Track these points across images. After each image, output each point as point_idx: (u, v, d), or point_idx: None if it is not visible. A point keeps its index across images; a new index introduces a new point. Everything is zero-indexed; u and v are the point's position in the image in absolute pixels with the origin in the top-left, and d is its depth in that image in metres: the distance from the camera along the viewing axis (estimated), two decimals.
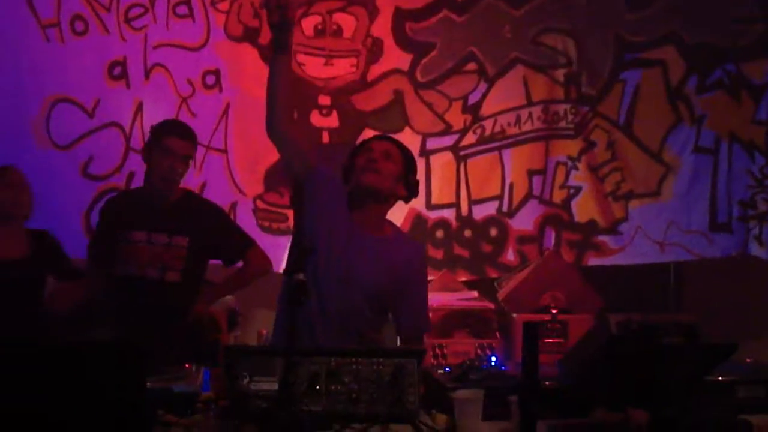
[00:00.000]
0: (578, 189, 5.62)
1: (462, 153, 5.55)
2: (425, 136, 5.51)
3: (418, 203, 5.48)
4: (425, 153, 5.49)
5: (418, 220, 5.50)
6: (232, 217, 5.30)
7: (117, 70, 5.36)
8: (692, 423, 3.28)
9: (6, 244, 4.49)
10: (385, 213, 3.95)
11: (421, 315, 4.05)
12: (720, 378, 3.61)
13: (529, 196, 5.59)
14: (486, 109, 5.55)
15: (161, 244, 4.52)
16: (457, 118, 5.54)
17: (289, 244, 3.48)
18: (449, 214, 5.55)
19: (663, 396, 3.35)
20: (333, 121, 5.47)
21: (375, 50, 5.48)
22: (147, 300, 4.45)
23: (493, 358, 4.06)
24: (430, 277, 5.27)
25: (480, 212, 5.57)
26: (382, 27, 5.48)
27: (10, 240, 4.51)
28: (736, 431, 3.28)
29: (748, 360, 4.01)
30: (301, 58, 5.42)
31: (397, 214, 5.41)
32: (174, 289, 4.51)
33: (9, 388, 3.05)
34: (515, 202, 5.58)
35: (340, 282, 3.81)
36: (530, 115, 5.58)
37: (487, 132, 5.54)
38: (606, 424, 3.34)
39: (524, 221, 5.59)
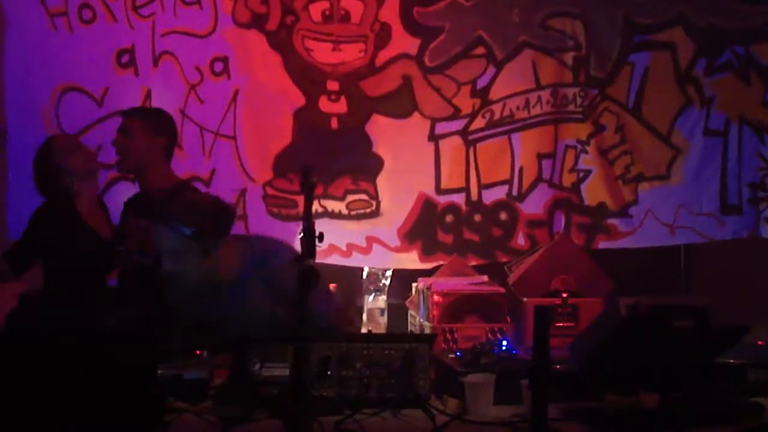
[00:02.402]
0: (588, 172, 5.61)
1: (471, 137, 5.54)
2: (434, 121, 5.50)
3: (428, 188, 5.48)
4: (434, 138, 5.48)
5: (427, 204, 5.49)
6: (241, 204, 5.34)
7: (125, 58, 5.37)
8: (704, 406, 3.28)
9: None
10: None
11: None
12: (731, 361, 3.62)
13: (538, 180, 5.58)
14: (495, 93, 5.53)
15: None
16: (465, 102, 5.53)
17: (299, 230, 3.48)
18: (459, 198, 5.54)
19: (674, 379, 3.35)
20: (341, 106, 5.46)
21: (383, 35, 5.46)
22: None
23: (504, 343, 4.08)
24: (440, 262, 5.31)
25: (490, 196, 5.56)
26: (390, 12, 5.46)
27: None
28: (747, 414, 3.28)
29: (760, 343, 4.01)
30: (309, 43, 5.42)
31: (406, 199, 5.44)
32: None
33: (23, 376, 3.07)
34: (525, 186, 5.57)
35: None
36: (539, 98, 5.56)
37: (496, 116, 5.53)
38: (617, 407, 3.35)
39: (534, 205, 5.58)
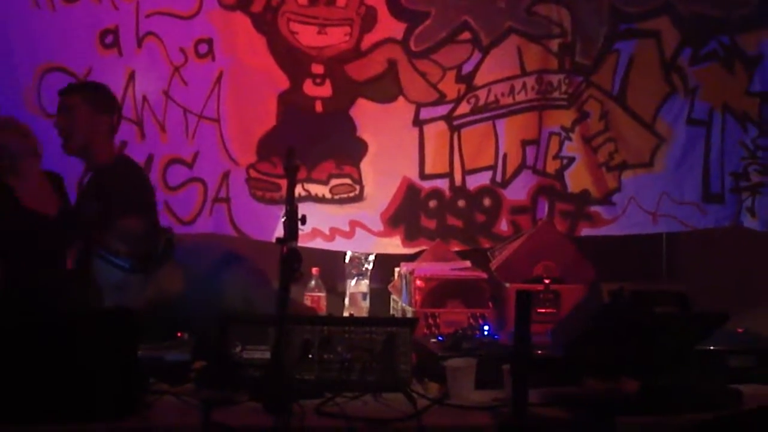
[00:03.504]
0: (571, 159, 5.61)
1: (456, 123, 5.53)
2: (419, 106, 5.49)
3: (412, 173, 5.48)
4: (419, 122, 5.47)
5: (411, 190, 5.48)
6: (224, 187, 5.34)
7: (109, 39, 5.33)
8: (683, 392, 3.29)
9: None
10: None
11: None
12: (711, 347, 3.63)
13: (522, 166, 5.58)
14: (480, 79, 5.53)
15: None
16: (450, 87, 5.52)
17: (282, 214, 3.48)
18: (443, 184, 5.54)
19: (654, 365, 3.36)
20: (326, 90, 5.44)
21: (368, 19, 5.44)
22: None
23: (486, 328, 4.09)
24: (423, 247, 5.32)
25: (473, 182, 5.56)
26: None
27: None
28: (726, 400, 3.29)
29: (740, 330, 4.03)
30: (294, 26, 5.39)
31: (390, 184, 5.44)
32: None
33: (3, 356, 3.06)
34: (509, 173, 5.57)
35: None
36: (524, 85, 5.56)
37: (481, 102, 5.53)
38: (597, 392, 3.36)
39: (518, 191, 5.58)
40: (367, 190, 5.46)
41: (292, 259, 3.27)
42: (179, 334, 3.78)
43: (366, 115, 5.45)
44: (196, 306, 4.03)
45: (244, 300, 4.08)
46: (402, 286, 4.90)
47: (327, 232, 5.41)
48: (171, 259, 4.11)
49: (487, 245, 5.46)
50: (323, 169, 5.38)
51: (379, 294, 5.22)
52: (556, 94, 5.58)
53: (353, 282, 5.17)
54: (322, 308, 4.89)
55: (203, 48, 5.37)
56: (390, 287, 5.14)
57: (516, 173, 5.57)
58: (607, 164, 5.61)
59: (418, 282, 4.68)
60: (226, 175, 5.39)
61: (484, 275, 4.81)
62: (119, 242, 3.95)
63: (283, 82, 5.40)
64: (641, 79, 5.61)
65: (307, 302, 4.89)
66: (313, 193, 5.41)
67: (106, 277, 3.97)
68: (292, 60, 5.40)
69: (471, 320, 4.54)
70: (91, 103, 4.65)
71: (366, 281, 5.20)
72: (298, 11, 5.40)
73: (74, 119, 4.63)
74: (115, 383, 3.09)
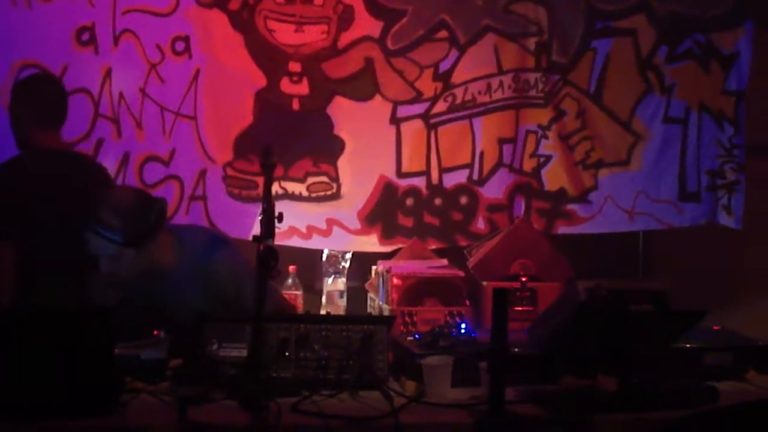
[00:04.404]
0: (548, 158, 5.63)
1: (432, 121, 5.54)
2: (396, 104, 5.49)
3: (389, 171, 5.48)
4: (396, 121, 5.48)
5: (388, 188, 5.49)
6: (201, 185, 5.33)
7: (85, 36, 5.30)
8: (660, 389, 3.30)
9: None
10: None
11: None
12: (688, 345, 3.65)
13: (499, 164, 5.59)
14: (457, 77, 5.53)
15: None
16: (427, 85, 5.52)
17: (259, 211, 3.47)
18: (419, 182, 5.54)
19: (631, 362, 3.37)
20: (303, 88, 5.43)
21: (346, 17, 5.44)
22: None
23: (463, 326, 4.08)
24: (400, 245, 5.31)
25: (450, 180, 5.57)
26: None
27: None
28: (702, 398, 3.31)
29: (716, 327, 4.05)
30: (271, 24, 5.38)
31: (367, 182, 5.44)
32: None
33: None
34: (485, 171, 5.58)
35: None
36: (501, 83, 5.57)
37: (458, 100, 5.53)
38: (575, 390, 3.37)
39: (494, 190, 5.59)
40: (344, 188, 5.46)
41: (268, 257, 3.26)
42: (155, 333, 3.76)
43: (343, 113, 5.44)
44: (185, 283, 4.02)
45: (235, 281, 4.06)
46: (379, 285, 4.89)
47: (304, 230, 5.41)
48: (163, 228, 4.08)
49: (464, 243, 5.47)
50: (300, 167, 5.38)
51: (356, 292, 5.21)
52: (532, 93, 5.59)
53: (330, 280, 5.16)
54: (299, 306, 4.88)
55: (180, 45, 5.35)
56: (367, 285, 5.13)
57: (493, 171, 5.58)
58: (584, 162, 5.62)
59: (395, 280, 4.67)
60: (202, 173, 5.38)
61: (461, 273, 4.81)
62: (112, 216, 3.93)
63: (260, 80, 5.39)
64: (618, 77, 5.64)
65: None
66: (290, 191, 5.40)
67: (101, 249, 3.94)
68: (269, 58, 5.39)
69: (448, 318, 4.54)
70: None
71: (343, 279, 5.19)
72: (276, 9, 5.39)
73: None
74: (90, 382, 3.07)
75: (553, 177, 5.63)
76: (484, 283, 4.77)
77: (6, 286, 4.37)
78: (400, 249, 5.26)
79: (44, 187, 4.49)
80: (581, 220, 5.64)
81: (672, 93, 5.66)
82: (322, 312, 4.99)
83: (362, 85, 5.47)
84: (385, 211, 5.49)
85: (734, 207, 5.67)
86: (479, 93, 5.55)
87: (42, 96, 4.80)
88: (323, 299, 5.13)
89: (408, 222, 5.52)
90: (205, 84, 5.37)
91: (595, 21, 5.60)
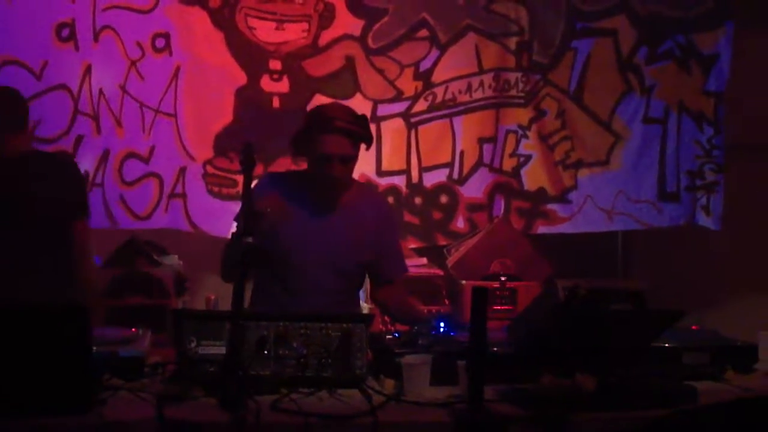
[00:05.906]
0: (528, 157, 5.64)
1: (413, 120, 5.54)
2: (376, 103, 5.50)
3: (369, 169, 5.48)
4: (376, 119, 5.47)
5: None
6: (180, 182, 5.31)
7: (65, 32, 5.28)
8: (639, 388, 3.31)
9: None
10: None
11: (402, 257, 4.23)
12: (666, 344, 3.65)
13: (479, 163, 5.60)
14: (437, 76, 5.55)
15: None
16: (408, 84, 5.54)
17: (238, 209, 3.46)
18: (400, 181, 5.55)
19: (610, 362, 3.37)
20: (284, 86, 5.43)
21: (327, 15, 5.44)
22: None
23: (442, 324, 4.07)
24: None
25: (430, 179, 5.58)
26: None
27: None
28: (681, 397, 3.31)
29: (694, 327, 4.06)
30: (252, 22, 5.38)
31: None
32: None
33: None
34: (466, 170, 5.59)
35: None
36: (481, 83, 5.58)
37: (439, 99, 5.54)
38: (554, 389, 3.36)
39: (474, 189, 5.60)
40: None
41: (248, 253, 3.25)
42: (133, 330, 3.74)
43: None
44: None
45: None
46: None
47: None
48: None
49: (443, 242, 5.48)
50: (280, 165, 5.36)
51: None
52: (513, 92, 5.60)
53: None
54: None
55: (160, 42, 5.34)
56: None
57: (473, 171, 5.59)
58: (564, 162, 5.64)
59: None
60: (182, 171, 5.37)
61: (441, 272, 4.82)
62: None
63: (240, 78, 5.38)
64: (598, 77, 5.66)
65: None
66: None
67: None
68: (250, 55, 5.39)
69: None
70: None
71: None
72: (256, 7, 5.39)
73: None
74: (68, 379, 3.05)
75: (533, 177, 5.64)
76: (464, 281, 4.78)
77: None
78: None
79: None
80: (561, 219, 5.65)
81: (652, 93, 5.68)
82: None
83: (343, 84, 5.48)
84: None
85: (713, 207, 5.69)
86: (460, 92, 5.56)
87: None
88: None
89: None
90: (185, 81, 5.36)
91: (576, 21, 5.62)
